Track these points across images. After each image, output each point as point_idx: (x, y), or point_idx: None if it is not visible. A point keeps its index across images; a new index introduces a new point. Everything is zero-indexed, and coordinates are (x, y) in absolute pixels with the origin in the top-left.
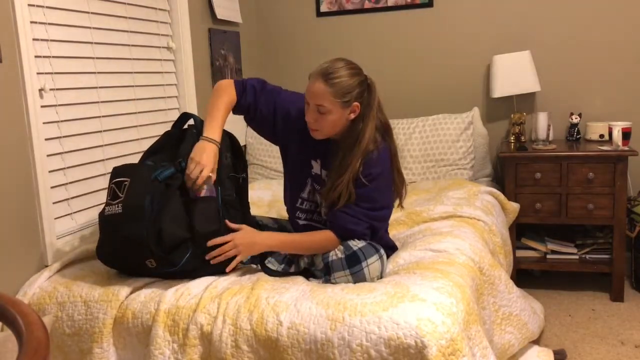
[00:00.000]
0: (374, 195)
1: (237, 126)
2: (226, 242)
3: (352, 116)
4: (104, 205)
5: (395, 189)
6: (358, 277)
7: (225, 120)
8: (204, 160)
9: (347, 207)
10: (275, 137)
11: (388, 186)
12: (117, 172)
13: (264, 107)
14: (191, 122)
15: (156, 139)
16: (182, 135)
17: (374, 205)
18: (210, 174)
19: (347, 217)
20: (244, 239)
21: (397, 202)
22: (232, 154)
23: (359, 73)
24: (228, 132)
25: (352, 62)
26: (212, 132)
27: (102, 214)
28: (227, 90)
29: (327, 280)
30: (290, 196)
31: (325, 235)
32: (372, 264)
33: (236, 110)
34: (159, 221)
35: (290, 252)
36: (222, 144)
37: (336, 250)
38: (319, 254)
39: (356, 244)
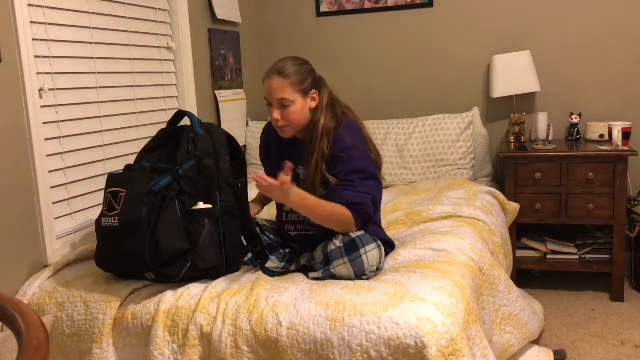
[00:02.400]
0: (358, 165)
1: (237, 125)
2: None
3: (314, 104)
4: (100, 213)
5: (374, 159)
6: (357, 265)
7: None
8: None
9: (341, 184)
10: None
11: (367, 154)
12: (113, 180)
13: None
14: (187, 120)
15: None
16: (178, 134)
17: (364, 175)
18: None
19: (345, 191)
20: (283, 190)
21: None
22: (231, 157)
23: (307, 63)
24: (227, 133)
25: (297, 56)
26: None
27: (98, 223)
28: None
29: (327, 271)
30: (277, 214)
31: (341, 209)
32: (370, 251)
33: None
34: (157, 234)
35: (310, 217)
36: (220, 148)
37: (334, 240)
38: (318, 247)
39: (355, 233)
